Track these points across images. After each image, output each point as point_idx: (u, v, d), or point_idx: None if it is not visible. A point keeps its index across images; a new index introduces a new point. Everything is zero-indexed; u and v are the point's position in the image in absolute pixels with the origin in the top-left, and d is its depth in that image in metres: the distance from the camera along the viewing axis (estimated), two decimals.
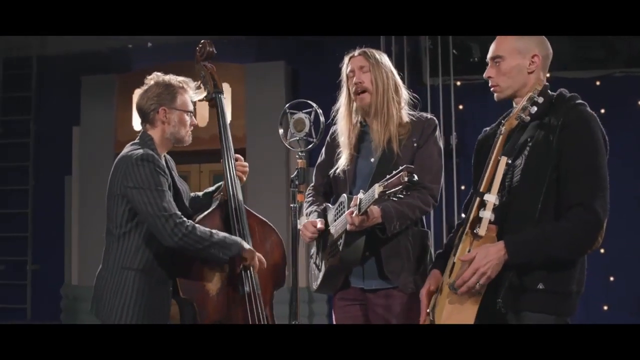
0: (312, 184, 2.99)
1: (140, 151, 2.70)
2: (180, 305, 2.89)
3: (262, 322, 2.82)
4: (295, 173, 2.39)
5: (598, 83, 6.33)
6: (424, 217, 2.83)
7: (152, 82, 2.84)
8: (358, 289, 2.75)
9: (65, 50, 7.38)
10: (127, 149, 2.78)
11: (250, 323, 2.81)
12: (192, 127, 2.88)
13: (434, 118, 2.85)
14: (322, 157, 2.95)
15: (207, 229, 2.70)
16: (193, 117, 2.88)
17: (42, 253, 7.37)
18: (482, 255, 2.09)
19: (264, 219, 3.02)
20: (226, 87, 7.08)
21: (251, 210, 3.00)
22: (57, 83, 7.36)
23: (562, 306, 2.16)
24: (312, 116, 2.43)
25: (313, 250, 2.89)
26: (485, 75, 2.34)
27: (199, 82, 3.10)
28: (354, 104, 2.79)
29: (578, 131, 2.15)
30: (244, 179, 3.02)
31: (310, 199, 2.95)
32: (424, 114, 2.85)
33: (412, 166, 2.27)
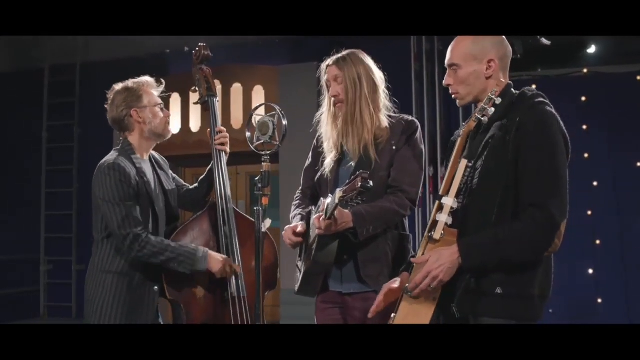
0: (300, 187, 2.98)
1: (112, 160, 2.77)
2: (171, 304, 2.94)
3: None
4: (259, 176, 2.39)
5: (639, 78, 6.09)
6: (405, 221, 2.78)
7: (113, 93, 2.92)
8: (336, 292, 2.73)
9: (107, 56, 7.61)
10: (107, 156, 2.84)
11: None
12: (168, 119, 2.95)
13: (415, 120, 2.78)
14: (309, 160, 2.95)
15: (165, 243, 2.75)
16: (165, 109, 2.95)
17: (86, 253, 7.59)
18: (434, 259, 2.06)
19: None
20: (259, 89, 7.16)
21: (242, 213, 3.03)
22: (99, 88, 7.54)
23: (522, 311, 2.09)
24: (276, 119, 2.43)
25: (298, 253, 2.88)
26: (444, 83, 2.31)
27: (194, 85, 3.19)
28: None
29: (534, 130, 2.08)
30: (227, 150, 3.06)
31: (297, 202, 2.94)
32: (406, 116, 2.79)
33: (367, 172, 2.24)
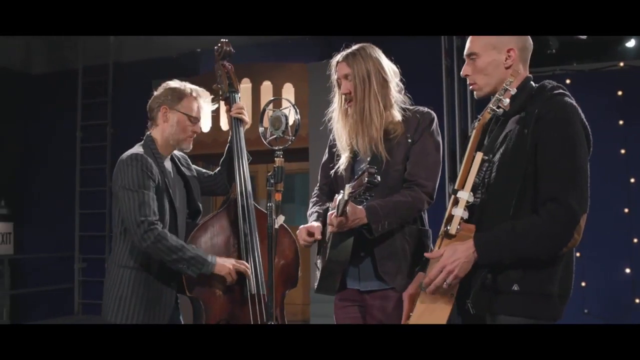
0: (318, 184, 2.94)
1: (133, 151, 2.77)
2: (191, 301, 2.93)
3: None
4: (272, 171, 2.35)
5: None
6: (424, 215, 2.71)
7: (163, 86, 2.94)
8: (355, 290, 2.68)
9: (139, 57, 7.69)
10: (129, 150, 2.85)
11: (253, 324, 2.81)
12: (194, 134, 2.91)
13: (431, 112, 2.71)
14: (325, 156, 2.90)
15: (181, 242, 2.72)
16: (197, 125, 2.90)
17: None
18: (449, 253, 2.01)
19: None
20: (289, 87, 7.13)
21: (264, 211, 2.99)
22: (131, 88, 7.65)
23: (540, 309, 2.02)
24: (289, 113, 2.39)
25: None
26: (462, 73, 2.28)
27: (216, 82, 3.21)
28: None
29: (553, 122, 2.01)
30: (246, 119, 3.10)
31: (315, 199, 2.90)
32: (421, 108, 2.72)
33: (375, 167, 2.17)
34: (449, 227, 2.06)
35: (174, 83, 2.94)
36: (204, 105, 2.97)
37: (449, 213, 2.08)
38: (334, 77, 2.74)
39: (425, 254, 2.12)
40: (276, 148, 2.38)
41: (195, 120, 2.90)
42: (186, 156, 3.12)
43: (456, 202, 2.07)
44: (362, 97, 2.61)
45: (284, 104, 2.48)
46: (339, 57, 2.72)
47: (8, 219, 7.96)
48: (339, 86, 2.71)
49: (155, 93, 2.95)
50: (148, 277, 2.80)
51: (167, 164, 2.91)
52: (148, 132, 2.94)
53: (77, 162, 7.89)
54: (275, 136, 2.39)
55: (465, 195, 2.05)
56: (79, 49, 7.83)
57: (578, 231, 1.99)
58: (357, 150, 2.68)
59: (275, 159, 2.36)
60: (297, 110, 2.42)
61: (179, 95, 2.88)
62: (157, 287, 2.81)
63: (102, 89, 7.85)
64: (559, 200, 1.95)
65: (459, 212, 2.05)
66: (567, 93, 2.10)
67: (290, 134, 2.40)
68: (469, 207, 2.06)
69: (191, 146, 2.96)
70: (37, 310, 7.79)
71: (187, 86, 2.93)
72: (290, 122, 2.44)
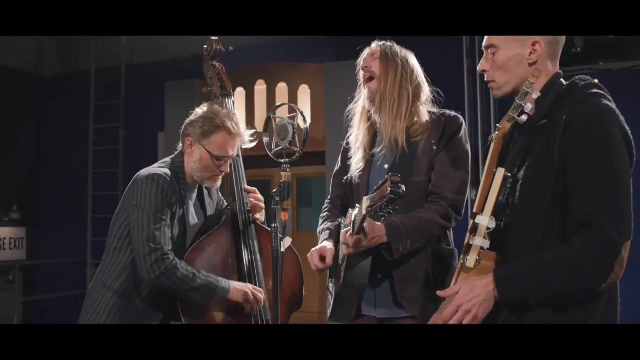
0: (329, 196, 2.70)
1: (155, 170, 2.55)
2: None
3: None
4: (278, 187, 2.11)
5: None
6: (450, 234, 2.46)
7: (200, 111, 2.64)
8: (371, 317, 2.42)
9: (151, 58, 7.55)
10: (154, 166, 2.64)
11: None
12: (221, 173, 2.62)
13: (459, 116, 2.45)
14: (338, 164, 2.66)
15: (192, 271, 2.48)
16: (226, 164, 2.61)
17: None
18: (466, 290, 1.72)
19: None
20: (305, 89, 6.92)
21: (264, 226, 2.77)
22: (144, 90, 7.51)
23: None
24: (295, 122, 2.15)
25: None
26: (478, 68, 1.95)
27: (208, 86, 2.93)
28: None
29: (585, 130, 1.69)
30: (261, 217, 2.76)
31: (325, 214, 2.65)
32: (448, 112, 2.46)
33: (398, 175, 1.87)
34: (466, 259, 1.78)
35: (213, 110, 2.61)
36: (240, 144, 2.65)
37: (467, 242, 1.80)
38: (361, 64, 2.53)
39: (438, 293, 1.82)
40: (282, 161, 2.14)
41: (222, 159, 2.57)
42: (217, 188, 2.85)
43: (475, 229, 1.78)
44: (393, 78, 2.39)
45: (292, 110, 2.24)
46: (373, 44, 2.52)
47: (20, 224, 7.85)
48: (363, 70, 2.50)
49: (193, 113, 2.64)
50: (129, 306, 2.55)
51: (192, 194, 2.67)
52: (180, 151, 2.67)
53: (90, 166, 7.76)
54: (281, 147, 2.15)
55: (485, 221, 1.75)
56: (92, 50, 7.72)
57: (620, 263, 1.65)
58: (378, 145, 2.45)
59: (282, 173, 2.11)
60: (305, 118, 2.17)
61: (209, 129, 2.55)
62: (135, 321, 2.57)
63: (114, 91, 7.72)
64: (594, 226, 1.63)
65: (478, 241, 1.76)
66: (604, 93, 1.78)
67: (298, 145, 2.16)
68: (491, 232, 1.77)
69: (217, 184, 2.67)
70: (49, 317, 7.66)
71: (224, 120, 2.57)
72: (301, 128, 2.20)
